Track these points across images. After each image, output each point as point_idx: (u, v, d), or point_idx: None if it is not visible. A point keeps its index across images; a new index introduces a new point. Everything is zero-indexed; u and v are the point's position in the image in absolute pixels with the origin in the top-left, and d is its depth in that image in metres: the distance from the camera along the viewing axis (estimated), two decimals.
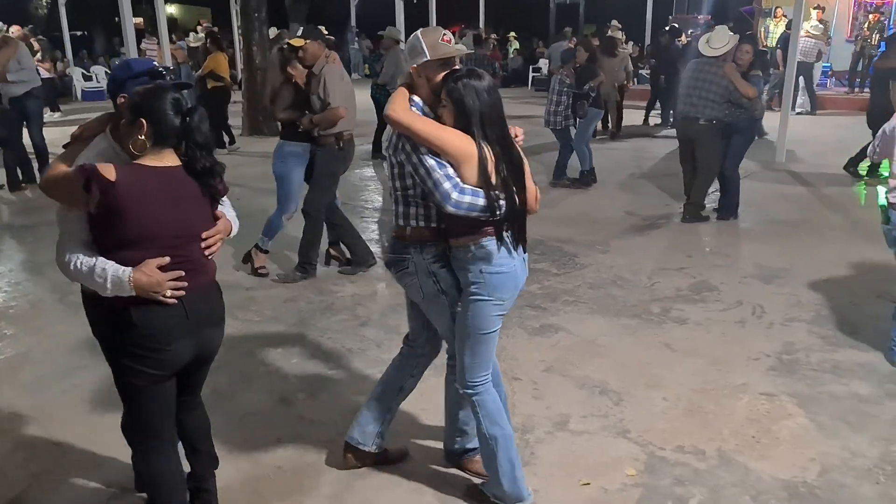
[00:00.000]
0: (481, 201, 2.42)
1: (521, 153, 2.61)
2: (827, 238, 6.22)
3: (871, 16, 14.94)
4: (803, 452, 3.14)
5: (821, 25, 13.50)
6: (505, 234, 2.52)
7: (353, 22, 22.38)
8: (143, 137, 2.13)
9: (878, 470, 3.01)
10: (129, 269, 2.11)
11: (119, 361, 2.25)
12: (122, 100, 2.30)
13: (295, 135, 5.14)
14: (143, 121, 2.12)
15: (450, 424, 3.01)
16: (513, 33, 21.59)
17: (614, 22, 13.39)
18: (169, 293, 2.16)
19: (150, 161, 2.16)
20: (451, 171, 2.45)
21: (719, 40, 6.35)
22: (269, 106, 5.41)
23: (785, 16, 14.29)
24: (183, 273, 2.19)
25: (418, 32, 2.64)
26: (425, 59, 2.57)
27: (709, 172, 6.60)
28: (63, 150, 2.31)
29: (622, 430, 3.33)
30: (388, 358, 3.15)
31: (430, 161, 2.46)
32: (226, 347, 2.60)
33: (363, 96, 7.81)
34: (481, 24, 18.52)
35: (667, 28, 13.03)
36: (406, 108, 2.55)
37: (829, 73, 15.57)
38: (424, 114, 2.60)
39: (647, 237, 6.39)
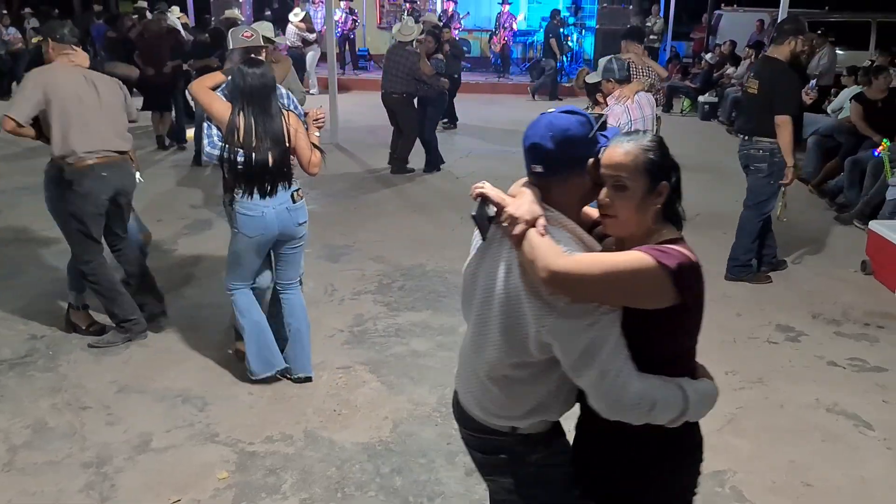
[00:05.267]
0: (216, 152, 3.32)
1: (288, 126, 3.34)
2: (382, 211, 6.88)
3: (406, 5, 16.71)
4: (378, 413, 3.47)
5: (302, 13, 14.35)
6: (248, 185, 3.31)
7: None
8: (659, 206, 1.70)
9: (437, 413, 3.48)
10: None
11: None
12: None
13: None
14: (667, 183, 1.69)
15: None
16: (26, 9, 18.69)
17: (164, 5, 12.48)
18: None
19: (672, 233, 1.72)
20: (215, 130, 3.37)
21: (408, 30, 8.14)
22: None
23: (323, 2, 14.99)
24: None
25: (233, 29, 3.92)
26: (231, 49, 3.79)
27: (410, 134, 8.21)
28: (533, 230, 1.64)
29: (210, 435, 3.27)
30: None
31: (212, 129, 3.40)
32: None
33: None
34: None
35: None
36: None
37: (368, 56, 16.99)
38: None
39: None
